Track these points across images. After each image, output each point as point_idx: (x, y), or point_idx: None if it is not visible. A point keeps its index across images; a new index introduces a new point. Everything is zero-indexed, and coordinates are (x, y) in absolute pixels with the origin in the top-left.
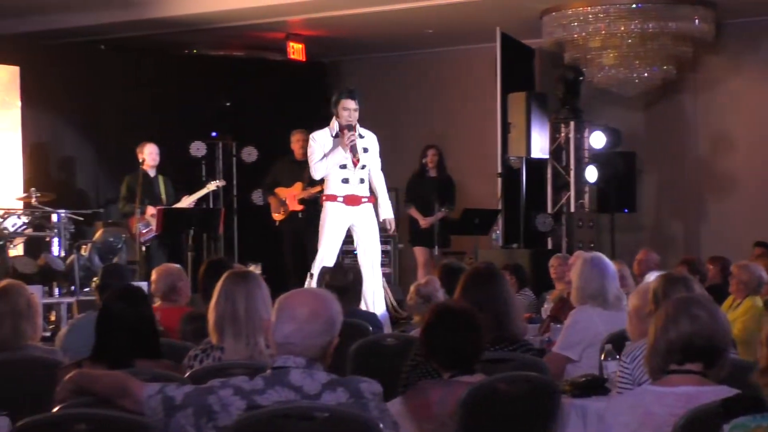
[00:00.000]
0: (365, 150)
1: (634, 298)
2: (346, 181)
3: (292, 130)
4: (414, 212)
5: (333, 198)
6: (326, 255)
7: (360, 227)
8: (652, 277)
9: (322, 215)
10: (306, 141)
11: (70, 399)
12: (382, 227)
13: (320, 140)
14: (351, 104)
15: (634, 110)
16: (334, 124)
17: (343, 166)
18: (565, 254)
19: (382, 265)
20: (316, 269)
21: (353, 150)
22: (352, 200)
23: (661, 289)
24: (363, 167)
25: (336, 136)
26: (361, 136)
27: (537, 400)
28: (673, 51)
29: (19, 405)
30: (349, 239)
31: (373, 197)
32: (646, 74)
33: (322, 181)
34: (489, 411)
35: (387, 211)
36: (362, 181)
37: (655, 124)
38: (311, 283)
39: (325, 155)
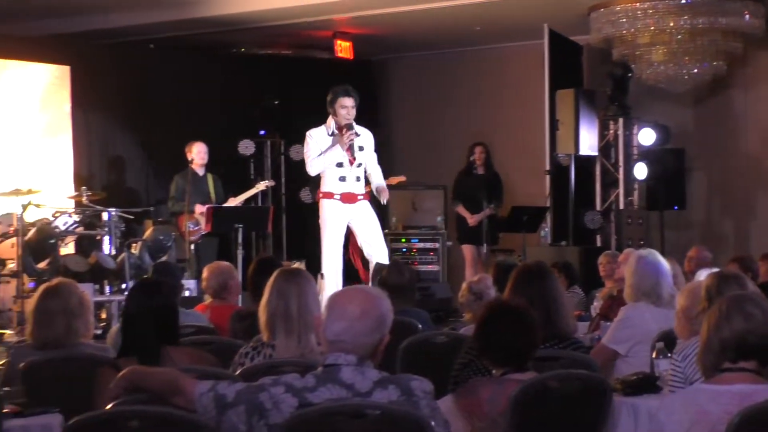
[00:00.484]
0: (361, 148)
1: (682, 297)
2: (342, 179)
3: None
4: (462, 210)
5: (330, 196)
6: (331, 253)
7: (359, 224)
8: (703, 275)
9: (320, 214)
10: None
11: (123, 396)
12: (378, 192)
13: (316, 137)
14: (349, 102)
15: (684, 106)
16: (331, 122)
17: (340, 165)
18: (614, 252)
19: (430, 262)
20: (324, 269)
21: (350, 148)
22: (348, 198)
23: (715, 287)
24: (359, 165)
25: (333, 134)
26: (357, 135)
27: (588, 398)
28: (723, 47)
29: (71, 402)
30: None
31: (368, 194)
32: (695, 70)
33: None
34: (540, 409)
35: (379, 181)
36: (358, 179)
37: (704, 120)
38: (323, 283)
39: (321, 153)
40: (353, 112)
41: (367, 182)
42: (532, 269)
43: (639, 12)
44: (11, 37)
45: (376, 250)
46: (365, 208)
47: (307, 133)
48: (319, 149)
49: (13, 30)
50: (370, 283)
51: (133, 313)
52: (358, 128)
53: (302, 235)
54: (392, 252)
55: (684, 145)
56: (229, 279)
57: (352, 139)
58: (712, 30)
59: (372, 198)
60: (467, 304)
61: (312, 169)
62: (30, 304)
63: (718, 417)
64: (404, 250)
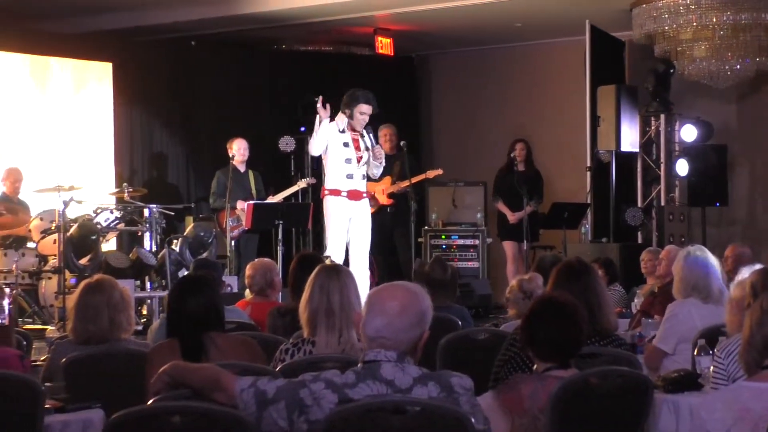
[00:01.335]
0: (367, 148)
1: (737, 289)
2: (350, 176)
3: (380, 125)
4: (502, 207)
5: (337, 192)
6: (335, 248)
7: (356, 220)
8: (747, 272)
9: (326, 209)
10: (394, 135)
11: (164, 391)
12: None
13: (331, 132)
14: (368, 109)
15: (726, 103)
16: (343, 119)
17: (348, 161)
18: (656, 248)
19: (470, 259)
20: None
21: (359, 147)
22: (354, 195)
23: (760, 283)
24: (365, 164)
25: (342, 131)
26: (362, 135)
27: (629, 395)
28: (766, 42)
29: (112, 398)
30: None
31: (369, 192)
32: (738, 66)
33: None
34: (580, 406)
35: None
36: (363, 176)
37: (747, 116)
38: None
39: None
40: (367, 120)
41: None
42: (574, 266)
43: (681, 8)
44: (54, 34)
45: (360, 252)
46: (365, 207)
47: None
48: (326, 138)
49: (56, 27)
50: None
51: (177, 315)
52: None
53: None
54: (432, 249)
55: (726, 142)
56: (273, 276)
57: (382, 156)
58: (756, 25)
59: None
60: (514, 301)
61: (313, 148)
62: (72, 299)
63: (760, 415)
64: (444, 246)
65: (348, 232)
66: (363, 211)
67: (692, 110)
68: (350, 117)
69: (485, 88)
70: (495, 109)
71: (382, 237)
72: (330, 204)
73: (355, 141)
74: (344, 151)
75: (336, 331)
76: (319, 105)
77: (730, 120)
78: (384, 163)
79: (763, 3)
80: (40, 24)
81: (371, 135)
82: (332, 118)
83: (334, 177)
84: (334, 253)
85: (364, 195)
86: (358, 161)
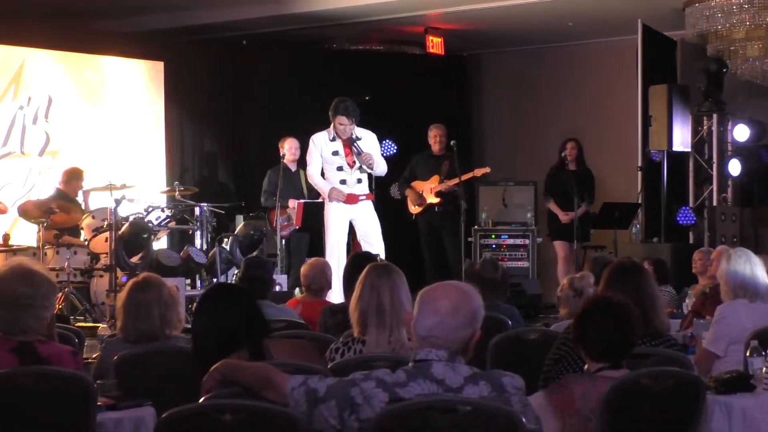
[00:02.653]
0: (359, 153)
1: None
2: (343, 182)
3: (431, 124)
4: (553, 207)
5: (329, 198)
6: (335, 249)
7: (360, 222)
8: None
9: (325, 213)
10: (443, 136)
11: (216, 389)
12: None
13: (319, 143)
14: (345, 121)
15: None
16: (332, 127)
17: (340, 168)
18: (708, 248)
19: (520, 259)
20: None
21: (352, 153)
22: (350, 199)
23: None
24: (359, 168)
25: (334, 140)
26: (358, 138)
27: (681, 396)
28: None
29: (163, 396)
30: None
31: (371, 194)
32: None
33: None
34: (632, 406)
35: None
36: (359, 180)
37: None
38: None
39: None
40: (350, 129)
41: (371, 185)
42: (627, 266)
43: (735, 7)
44: (107, 33)
45: (375, 251)
46: (367, 208)
47: (311, 139)
48: (320, 155)
49: (109, 26)
50: None
51: (254, 305)
52: (360, 131)
53: (393, 231)
54: (482, 248)
55: None
56: (330, 275)
57: (371, 163)
58: None
59: (376, 198)
60: (565, 300)
61: (310, 179)
62: (120, 299)
63: None
64: (494, 246)
65: (348, 236)
66: (364, 212)
67: (745, 110)
68: (334, 127)
69: (536, 88)
70: (546, 108)
71: (430, 236)
72: (329, 208)
73: (346, 147)
74: (335, 160)
75: (386, 330)
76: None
77: None
78: (376, 168)
79: None
80: (93, 23)
81: (358, 142)
82: (307, 126)
83: (329, 183)
84: (332, 255)
85: (362, 198)
86: (351, 166)
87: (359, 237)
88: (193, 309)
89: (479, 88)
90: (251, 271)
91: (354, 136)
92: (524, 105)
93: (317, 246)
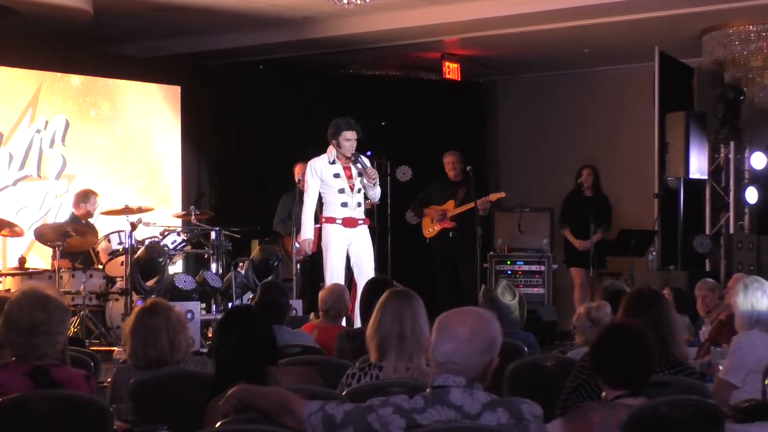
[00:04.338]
0: (359, 174)
1: None
2: (344, 204)
3: (446, 150)
4: (569, 235)
5: (332, 220)
6: (335, 273)
7: (356, 246)
8: None
9: (324, 236)
10: (458, 165)
11: (232, 414)
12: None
13: (318, 168)
14: (351, 135)
15: None
16: (332, 151)
17: (341, 191)
18: (710, 280)
19: (536, 285)
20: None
21: (352, 176)
22: (349, 222)
23: None
24: (359, 191)
25: (333, 163)
26: (360, 156)
27: (700, 424)
28: None
29: (178, 419)
30: None
31: (368, 219)
32: None
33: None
34: None
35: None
36: (359, 204)
37: None
38: None
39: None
40: (355, 144)
41: (366, 212)
42: (646, 294)
43: (752, 34)
44: (123, 57)
45: (364, 276)
46: (363, 233)
47: (309, 164)
48: (318, 180)
49: (125, 50)
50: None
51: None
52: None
53: (408, 255)
54: (497, 274)
55: None
56: (347, 300)
57: (376, 177)
58: None
59: (371, 226)
60: (581, 329)
61: (305, 207)
62: (127, 325)
63: None
64: (509, 272)
65: (346, 259)
66: (361, 236)
67: (763, 138)
68: (338, 146)
69: (552, 114)
70: (562, 134)
71: (445, 261)
72: (326, 231)
73: (347, 170)
74: (336, 182)
75: (406, 357)
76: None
77: None
78: (376, 187)
79: None
80: (110, 47)
81: (361, 159)
82: (323, 151)
83: (330, 206)
84: (332, 279)
85: (360, 222)
86: (351, 189)
87: (352, 263)
88: (215, 331)
89: (495, 114)
90: (268, 295)
91: (353, 159)
92: (540, 131)
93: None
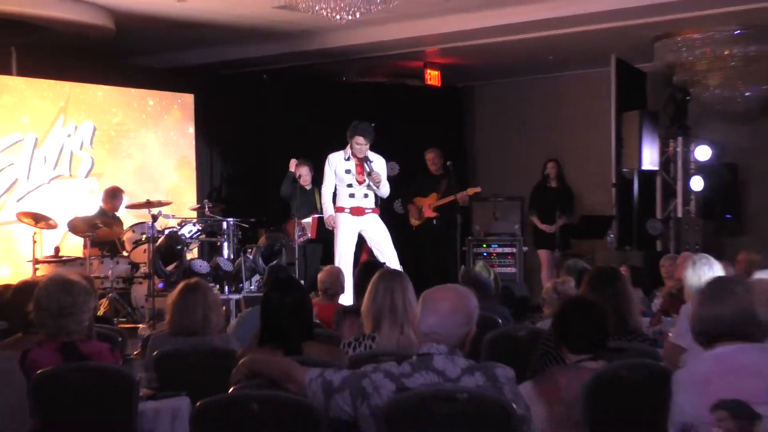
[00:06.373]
0: (368, 174)
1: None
2: (352, 196)
3: (428, 148)
4: (536, 221)
5: (342, 210)
6: (343, 257)
7: (371, 233)
8: (762, 275)
9: (336, 224)
10: (439, 161)
11: (243, 382)
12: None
13: (334, 162)
14: (361, 140)
15: (738, 125)
16: (349, 147)
17: (350, 185)
18: (674, 255)
19: (508, 265)
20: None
21: (363, 171)
22: (357, 211)
23: None
24: (367, 186)
25: (348, 159)
26: (369, 160)
27: (653, 385)
28: None
29: (198, 388)
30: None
31: (378, 208)
32: (748, 93)
33: (457, 190)
34: (610, 394)
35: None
36: (366, 196)
37: (757, 137)
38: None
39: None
40: (365, 148)
41: (377, 200)
42: (606, 271)
43: (697, 42)
44: (143, 68)
45: (387, 257)
46: (374, 219)
47: (327, 158)
48: (333, 174)
49: (144, 62)
50: None
51: (276, 308)
52: (372, 155)
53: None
54: (474, 256)
55: (737, 161)
56: (343, 281)
57: (379, 180)
58: (763, 57)
59: (383, 213)
60: (549, 302)
61: (323, 198)
62: (170, 297)
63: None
64: (485, 254)
65: (357, 246)
66: (371, 222)
67: (707, 132)
68: (351, 147)
69: (522, 114)
70: (531, 132)
71: (429, 246)
72: (338, 219)
73: (358, 166)
74: (347, 177)
75: (398, 327)
76: (374, 175)
77: (741, 141)
78: (382, 187)
79: None
80: (131, 59)
81: (369, 163)
82: (319, 149)
83: (340, 197)
84: (341, 262)
85: (368, 210)
86: (360, 183)
87: (372, 246)
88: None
89: (472, 116)
90: (279, 275)
91: (365, 158)
92: (511, 130)
93: (329, 254)
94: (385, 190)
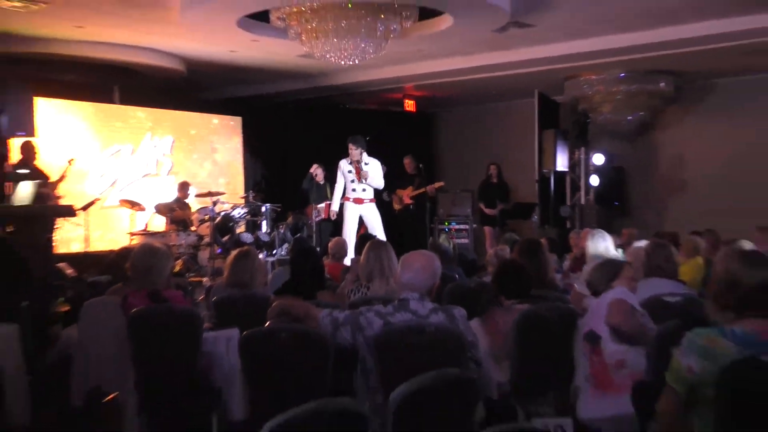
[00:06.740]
0: (366, 172)
1: (629, 256)
2: (353, 189)
3: (405, 155)
4: (483, 207)
5: (347, 199)
6: (348, 232)
7: (367, 218)
8: (639, 244)
9: (344, 211)
10: (413, 164)
11: (275, 319)
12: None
13: (342, 166)
14: (352, 147)
15: (623, 140)
16: (350, 155)
17: (352, 181)
18: (578, 230)
19: (463, 237)
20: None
21: (360, 171)
22: (357, 201)
23: (651, 249)
24: (365, 180)
25: (350, 163)
26: (366, 163)
27: (564, 320)
28: (648, 103)
29: (245, 323)
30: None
31: (374, 198)
32: (629, 117)
33: (426, 184)
34: (533, 327)
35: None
36: (364, 190)
37: (636, 149)
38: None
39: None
40: (357, 152)
41: (375, 192)
42: (531, 242)
43: (594, 81)
44: (205, 99)
45: (377, 232)
46: (370, 207)
47: (339, 163)
48: (342, 177)
49: (207, 94)
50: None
51: (299, 267)
52: (369, 159)
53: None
54: (439, 231)
55: (623, 165)
56: (346, 248)
57: (366, 176)
58: (641, 93)
59: (379, 203)
60: (491, 263)
61: (334, 197)
62: (229, 259)
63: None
64: (446, 230)
65: (358, 225)
66: (368, 210)
67: (601, 145)
68: (348, 151)
69: (473, 131)
70: (479, 144)
71: (407, 224)
72: (345, 207)
73: (356, 168)
74: (349, 176)
75: (384, 279)
76: (362, 173)
77: (625, 151)
78: (372, 182)
79: (646, 79)
80: (197, 92)
81: (365, 165)
82: (331, 156)
83: (346, 190)
84: (347, 236)
85: (366, 200)
86: (358, 180)
87: (367, 224)
88: (292, 253)
89: (437, 132)
90: (298, 245)
91: (362, 161)
92: (465, 142)
93: (337, 230)
94: (377, 183)
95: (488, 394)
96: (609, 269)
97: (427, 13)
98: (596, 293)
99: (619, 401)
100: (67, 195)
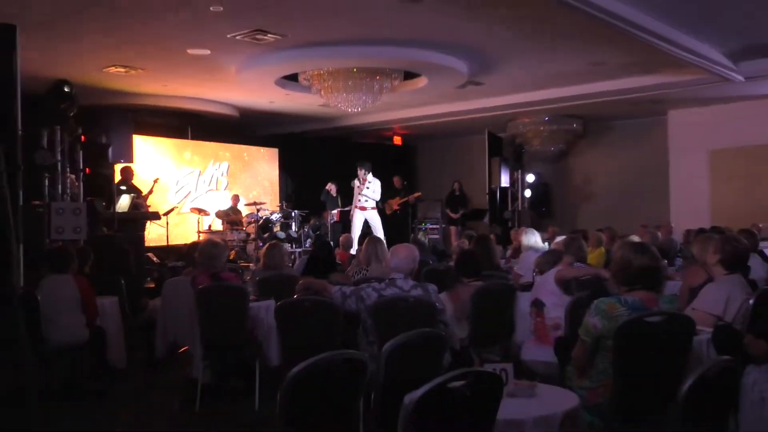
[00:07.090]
0: (367, 188)
1: (558, 245)
2: (359, 200)
3: (394, 175)
4: (449, 212)
5: (356, 207)
6: (354, 231)
7: (369, 220)
8: (560, 238)
9: (352, 216)
10: (400, 181)
11: (301, 293)
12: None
13: (354, 183)
14: (359, 169)
15: (548, 164)
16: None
17: (359, 194)
18: (517, 228)
19: (436, 234)
20: (356, 241)
21: (364, 188)
22: (362, 208)
23: (567, 241)
24: (367, 192)
25: (359, 181)
26: (369, 182)
27: (506, 294)
28: (565, 138)
29: (279, 295)
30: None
31: (375, 207)
32: (552, 148)
33: (409, 195)
34: (484, 298)
35: (376, 196)
36: (367, 200)
37: (557, 171)
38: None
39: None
40: (362, 173)
41: (375, 203)
42: (483, 236)
43: (528, 123)
44: (253, 135)
45: (377, 231)
46: (373, 213)
47: (352, 182)
48: (354, 189)
49: (253, 132)
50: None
51: (318, 256)
52: (372, 178)
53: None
54: (418, 230)
55: (548, 182)
56: (352, 242)
57: (366, 195)
58: (560, 131)
59: (380, 211)
60: (455, 252)
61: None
62: (263, 250)
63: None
64: (423, 229)
65: (364, 227)
66: (371, 215)
67: (533, 167)
68: (357, 172)
69: (445, 158)
70: (448, 168)
71: (394, 225)
72: (353, 213)
73: (361, 185)
74: (356, 191)
75: (379, 264)
76: (363, 190)
77: (549, 172)
78: (372, 195)
79: (563, 120)
80: (248, 130)
81: (369, 183)
82: (342, 176)
83: (354, 201)
84: (354, 234)
85: (368, 208)
86: (360, 192)
87: (371, 228)
88: (313, 246)
89: (420, 159)
90: (320, 240)
91: (366, 180)
92: (437, 165)
93: (346, 229)
94: (376, 196)
95: (453, 346)
96: (553, 257)
97: (409, 75)
98: (542, 272)
99: (551, 352)
100: (153, 204)
